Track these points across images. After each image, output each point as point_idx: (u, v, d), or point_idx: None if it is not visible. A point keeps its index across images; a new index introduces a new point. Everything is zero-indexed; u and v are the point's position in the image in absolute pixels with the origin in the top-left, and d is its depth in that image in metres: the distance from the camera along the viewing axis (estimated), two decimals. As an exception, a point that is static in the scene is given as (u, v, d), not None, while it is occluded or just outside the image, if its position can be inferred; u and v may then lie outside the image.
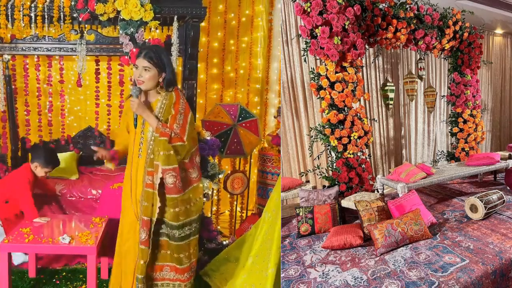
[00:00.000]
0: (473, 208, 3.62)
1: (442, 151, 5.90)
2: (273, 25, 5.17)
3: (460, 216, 3.77)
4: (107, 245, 3.36)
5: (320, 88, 4.21)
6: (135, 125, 2.77)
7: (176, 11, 3.57)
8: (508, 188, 4.59)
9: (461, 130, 5.47)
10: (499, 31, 7.38)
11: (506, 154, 5.54)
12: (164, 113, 2.70)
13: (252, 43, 5.08)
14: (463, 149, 5.45)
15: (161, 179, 2.64)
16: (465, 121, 5.45)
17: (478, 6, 5.55)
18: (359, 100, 4.31)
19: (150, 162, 2.68)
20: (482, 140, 5.64)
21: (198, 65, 3.89)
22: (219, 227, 4.67)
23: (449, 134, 5.81)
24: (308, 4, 3.81)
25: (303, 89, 4.98)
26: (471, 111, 5.48)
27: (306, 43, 4.12)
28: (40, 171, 3.53)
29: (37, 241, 2.96)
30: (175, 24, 3.60)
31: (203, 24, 4.38)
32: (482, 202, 3.56)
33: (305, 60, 4.47)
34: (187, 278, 2.83)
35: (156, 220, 2.70)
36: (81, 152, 4.50)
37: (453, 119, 5.57)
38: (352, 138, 4.17)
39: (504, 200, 3.79)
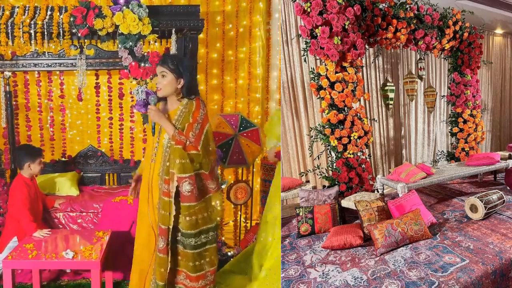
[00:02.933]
0: (473, 208, 3.62)
1: (442, 151, 5.90)
2: (271, 35, 5.20)
3: (460, 216, 3.77)
4: (111, 259, 3.33)
5: (320, 88, 4.21)
6: (153, 133, 2.77)
7: (174, 24, 3.60)
8: (508, 188, 4.59)
9: (461, 130, 5.47)
10: (499, 31, 7.38)
11: (506, 154, 5.54)
12: (182, 121, 2.67)
13: (251, 53, 5.12)
14: (463, 149, 5.45)
15: (177, 187, 2.62)
16: (465, 121, 5.45)
17: (478, 6, 5.55)
18: (359, 100, 4.31)
19: (166, 170, 2.66)
20: (482, 140, 5.64)
21: (198, 76, 3.90)
22: (223, 238, 4.63)
23: (449, 134, 5.81)
24: (308, 4, 3.81)
25: (303, 89, 4.98)
26: (471, 111, 5.48)
27: (306, 43, 4.12)
28: (35, 168, 3.52)
29: (40, 256, 2.93)
30: (174, 36, 3.63)
31: (201, 36, 4.41)
32: (482, 202, 3.56)
33: (305, 60, 4.47)
34: (201, 286, 2.77)
35: (173, 227, 2.68)
36: (82, 173, 4.48)
37: (453, 119, 5.57)
38: (352, 138, 4.17)
39: (504, 200, 3.79)
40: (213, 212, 2.77)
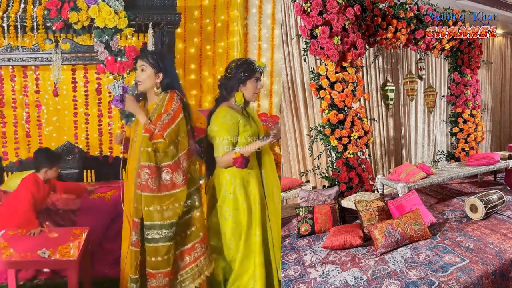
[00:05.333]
0: (473, 208, 3.62)
1: (442, 151, 5.90)
2: (248, 30, 5.18)
3: (460, 216, 3.77)
4: (89, 257, 3.27)
5: (320, 88, 4.21)
6: (126, 122, 2.84)
7: (151, 17, 3.57)
8: (508, 188, 4.59)
9: (461, 130, 5.47)
10: (499, 31, 7.37)
11: (506, 154, 5.54)
12: (155, 113, 2.69)
13: (229, 48, 5.08)
14: (463, 149, 5.45)
15: None
16: (465, 121, 5.45)
17: (478, 6, 5.54)
18: (359, 100, 4.31)
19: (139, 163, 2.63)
20: (482, 140, 5.64)
21: (176, 71, 3.88)
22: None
23: (449, 134, 5.81)
24: (308, 4, 3.81)
25: (303, 89, 4.98)
26: (471, 111, 5.48)
27: (306, 43, 4.12)
28: (51, 174, 3.51)
29: (15, 256, 2.83)
30: (150, 31, 3.59)
31: (179, 30, 4.38)
32: (482, 202, 3.56)
33: (305, 60, 4.47)
34: (157, 286, 2.61)
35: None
36: (59, 170, 4.43)
37: (453, 119, 5.57)
38: (352, 138, 4.17)
39: (504, 200, 3.79)
40: (170, 209, 2.61)
